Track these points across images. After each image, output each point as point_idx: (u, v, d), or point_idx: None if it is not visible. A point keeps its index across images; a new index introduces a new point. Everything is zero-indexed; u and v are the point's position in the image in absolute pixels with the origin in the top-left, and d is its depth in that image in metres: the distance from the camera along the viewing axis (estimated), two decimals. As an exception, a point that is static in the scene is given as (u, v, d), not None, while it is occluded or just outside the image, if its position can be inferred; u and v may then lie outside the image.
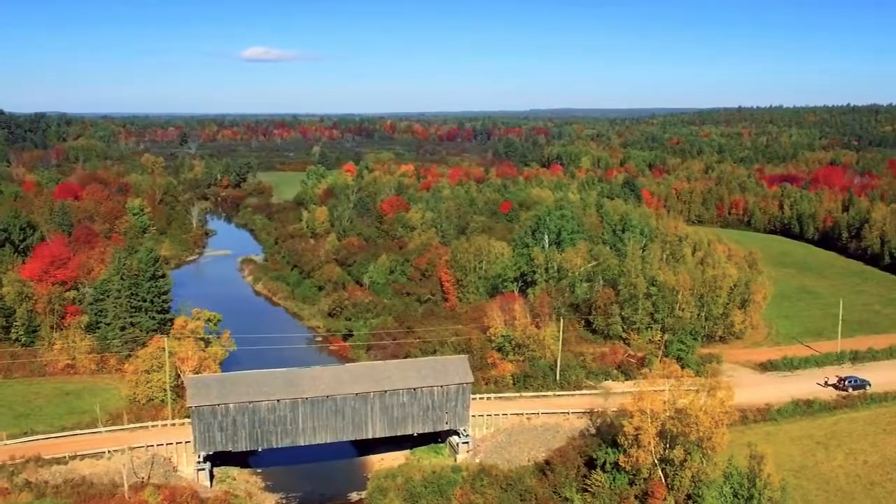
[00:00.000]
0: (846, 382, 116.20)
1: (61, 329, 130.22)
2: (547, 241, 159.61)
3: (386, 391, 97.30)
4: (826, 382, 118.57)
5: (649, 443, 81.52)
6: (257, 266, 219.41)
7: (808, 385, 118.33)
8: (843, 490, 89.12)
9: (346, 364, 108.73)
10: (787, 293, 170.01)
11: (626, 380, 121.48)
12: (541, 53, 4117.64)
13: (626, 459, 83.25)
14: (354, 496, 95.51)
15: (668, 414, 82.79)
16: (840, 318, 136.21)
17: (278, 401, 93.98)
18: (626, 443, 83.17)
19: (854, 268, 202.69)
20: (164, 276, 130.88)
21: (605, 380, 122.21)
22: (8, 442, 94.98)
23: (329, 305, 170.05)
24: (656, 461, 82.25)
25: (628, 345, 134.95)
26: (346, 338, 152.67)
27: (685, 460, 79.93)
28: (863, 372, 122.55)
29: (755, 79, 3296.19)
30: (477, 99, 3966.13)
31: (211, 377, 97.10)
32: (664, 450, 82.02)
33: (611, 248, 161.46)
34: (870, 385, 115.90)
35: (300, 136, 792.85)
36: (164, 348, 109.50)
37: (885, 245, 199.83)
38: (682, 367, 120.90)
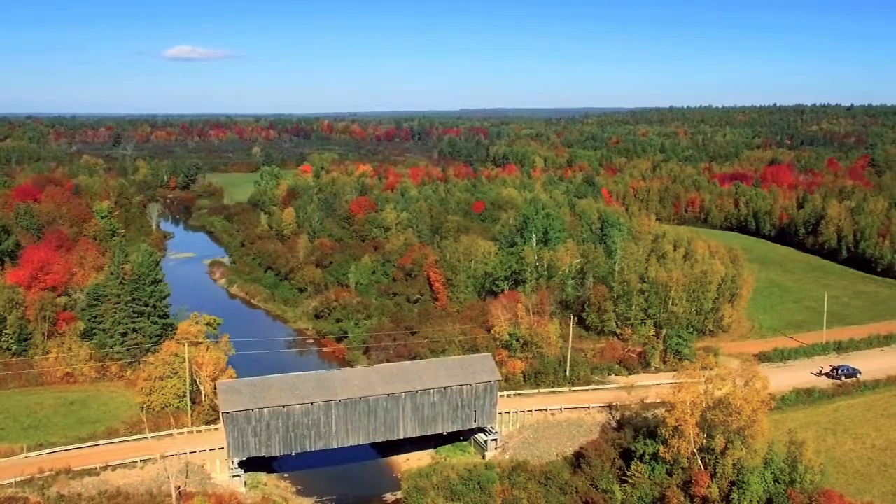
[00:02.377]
0: (839, 371, 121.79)
1: (53, 336, 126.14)
2: (535, 240, 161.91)
3: (417, 391, 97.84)
4: (820, 372, 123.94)
5: (689, 433, 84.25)
6: (228, 268, 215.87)
7: (803, 375, 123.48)
8: (859, 473, 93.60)
9: (375, 365, 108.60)
10: (759, 288, 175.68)
11: (630, 374, 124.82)
12: (471, 54, 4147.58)
13: (665, 450, 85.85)
14: (390, 497, 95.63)
15: (705, 404, 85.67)
16: (825, 310, 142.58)
17: (312, 404, 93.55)
18: (666, 433, 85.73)
19: (814, 262, 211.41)
20: (161, 279, 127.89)
21: (609, 374, 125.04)
22: (28, 455, 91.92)
23: (315, 307, 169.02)
24: (695, 451, 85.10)
25: (623, 340, 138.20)
26: (339, 339, 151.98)
27: (726, 448, 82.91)
28: (849, 361, 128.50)
29: (684, 79, 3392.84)
30: (408, 99, 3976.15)
31: (242, 382, 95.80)
32: (704, 439, 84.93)
33: (594, 245, 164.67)
34: (860, 373, 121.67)
35: (237, 137, 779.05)
36: (176, 354, 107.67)
37: (841, 240, 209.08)
38: (681, 360, 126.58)
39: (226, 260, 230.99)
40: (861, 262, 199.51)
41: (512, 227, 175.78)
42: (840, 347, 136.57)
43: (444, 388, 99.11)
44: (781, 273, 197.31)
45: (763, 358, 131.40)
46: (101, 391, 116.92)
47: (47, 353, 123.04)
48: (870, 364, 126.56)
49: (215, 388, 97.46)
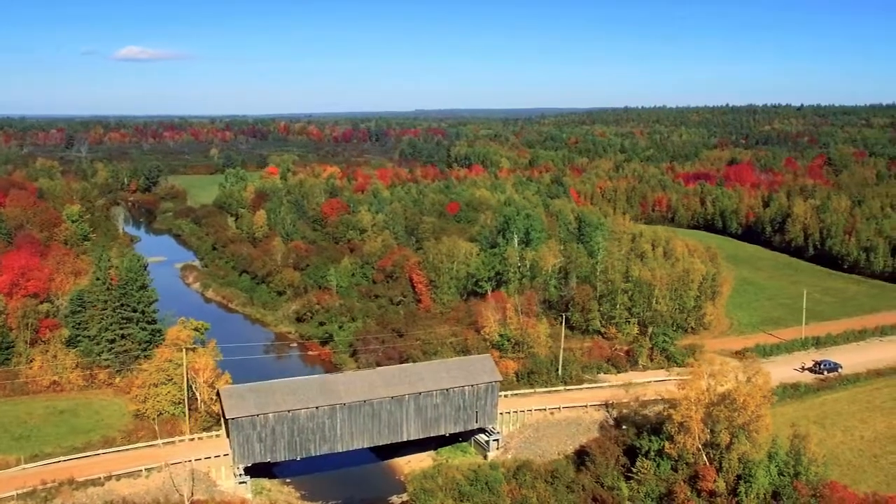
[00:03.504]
0: (821, 366, 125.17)
1: (36, 344, 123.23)
2: (516, 240, 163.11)
3: (420, 393, 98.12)
4: (803, 367, 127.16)
5: (695, 429, 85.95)
6: (201, 272, 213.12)
7: (787, 370, 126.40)
8: (852, 464, 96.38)
9: (378, 368, 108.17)
10: (733, 286, 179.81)
11: (619, 372, 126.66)
12: (426, 55, 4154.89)
13: (671, 446, 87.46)
14: (395, 499, 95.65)
15: (708, 400, 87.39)
16: (804, 307, 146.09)
17: (317, 408, 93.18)
18: (672, 430, 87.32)
19: (781, 260, 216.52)
20: (148, 284, 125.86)
21: (598, 373, 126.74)
22: (26, 466, 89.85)
23: (296, 311, 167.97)
24: (700, 446, 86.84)
25: (608, 339, 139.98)
26: (324, 343, 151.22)
27: (731, 443, 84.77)
28: (828, 356, 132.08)
29: (637, 80, 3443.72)
30: (362, 100, 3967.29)
31: (245, 387, 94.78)
32: (708, 435, 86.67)
33: (576, 245, 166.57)
34: (841, 367, 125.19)
35: (192, 139, 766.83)
36: (170, 360, 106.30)
37: (808, 238, 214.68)
38: (668, 358, 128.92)
39: (197, 264, 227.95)
40: (828, 259, 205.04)
41: (492, 228, 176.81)
42: (818, 343, 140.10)
43: (447, 390, 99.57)
44: (752, 271, 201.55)
45: (746, 354, 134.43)
46: (90, 399, 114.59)
47: (31, 362, 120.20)
48: (848, 358, 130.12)
49: (218, 395, 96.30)
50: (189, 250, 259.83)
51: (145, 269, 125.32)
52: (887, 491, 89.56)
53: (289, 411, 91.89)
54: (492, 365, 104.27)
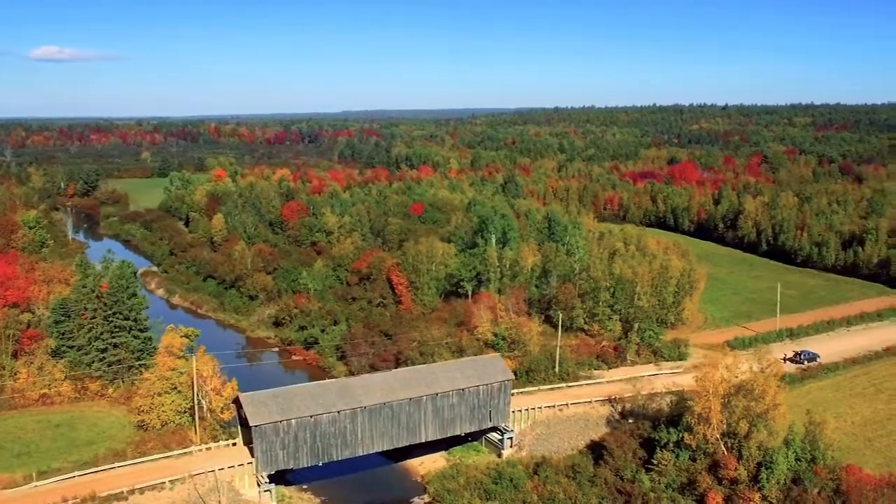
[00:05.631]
0: (801, 356, 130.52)
1: (18, 356, 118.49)
2: (494, 240, 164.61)
3: (437, 393, 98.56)
4: (784, 358, 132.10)
5: (714, 420, 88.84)
6: (163, 278, 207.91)
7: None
8: (851, 448, 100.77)
9: (393, 370, 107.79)
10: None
11: (609, 368, 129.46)
12: (352, 56, 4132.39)
13: (690, 437, 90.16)
14: (418, 501, 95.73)
15: (724, 391, 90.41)
16: (778, 300, 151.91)
17: (339, 412, 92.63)
18: (691, 421, 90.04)
19: (737, 256, 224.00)
20: (137, 292, 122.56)
21: (590, 369, 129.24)
22: (38, 483, 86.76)
23: (273, 315, 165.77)
24: (718, 436, 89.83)
25: (591, 336, 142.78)
26: (308, 347, 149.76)
27: (749, 432, 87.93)
28: (804, 346, 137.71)
29: (563, 81, 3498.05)
30: (289, 101, 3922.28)
31: (265, 394, 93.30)
32: (725, 425, 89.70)
33: (555, 245, 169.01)
34: (819, 357, 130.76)
35: (120, 141, 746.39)
36: (174, 368, 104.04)
37: (760, 234, 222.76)
38: (655, 353, 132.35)
39: (156, 269, 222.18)
40: (781, 254, 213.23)
41: (467, 228, 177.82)
42: (792, 334, 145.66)
43: (462, 390, 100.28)
44: (711, 267, 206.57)
45: (728, 347, 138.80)
46: (84, 412, 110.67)
47: (15, 374, 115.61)
48: (823, 348, 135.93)
49: (237, 402, 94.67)
50: (141, 256, 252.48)
51: (135, 276, 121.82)
52: (888, 472, 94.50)
53: (311, 416, 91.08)
54: (503, 364, 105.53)
